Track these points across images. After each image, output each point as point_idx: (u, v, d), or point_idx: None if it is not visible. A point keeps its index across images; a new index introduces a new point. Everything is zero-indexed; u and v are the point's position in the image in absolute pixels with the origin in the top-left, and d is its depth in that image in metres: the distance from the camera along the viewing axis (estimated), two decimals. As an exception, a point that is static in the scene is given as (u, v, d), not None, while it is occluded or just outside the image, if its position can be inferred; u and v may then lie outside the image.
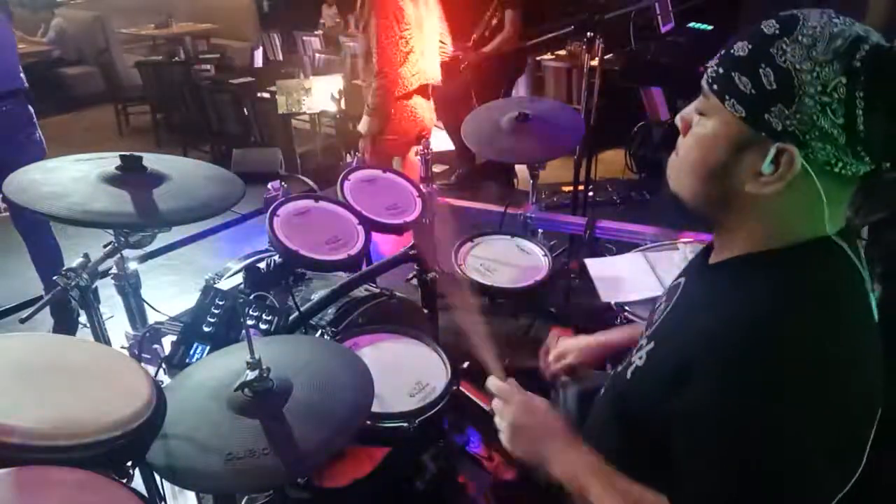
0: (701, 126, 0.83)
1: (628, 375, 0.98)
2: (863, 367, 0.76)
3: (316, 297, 1.75)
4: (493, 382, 1.07)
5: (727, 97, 0.78)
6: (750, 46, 0.77)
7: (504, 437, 1.02)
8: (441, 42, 3.21)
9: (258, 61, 6.34)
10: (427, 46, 2.98)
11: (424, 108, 3.06)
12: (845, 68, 0.71)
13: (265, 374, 1.07)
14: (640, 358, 0.96)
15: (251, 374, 1.06)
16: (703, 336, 0.82)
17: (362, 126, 2.99)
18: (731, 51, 0.79)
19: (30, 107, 2.80)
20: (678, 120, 0.89)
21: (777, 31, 0.75)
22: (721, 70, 0.79)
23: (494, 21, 4.03)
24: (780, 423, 0.72)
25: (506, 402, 1.03)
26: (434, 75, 3.07)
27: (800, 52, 0.72)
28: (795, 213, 0.79)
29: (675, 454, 0.81)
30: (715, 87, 0.80)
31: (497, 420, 1.03)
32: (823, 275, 0.79)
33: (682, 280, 1.01)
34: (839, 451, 0.74)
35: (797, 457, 0.72)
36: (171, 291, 3.12)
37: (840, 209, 0.81)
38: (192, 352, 1.54)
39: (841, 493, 0.79)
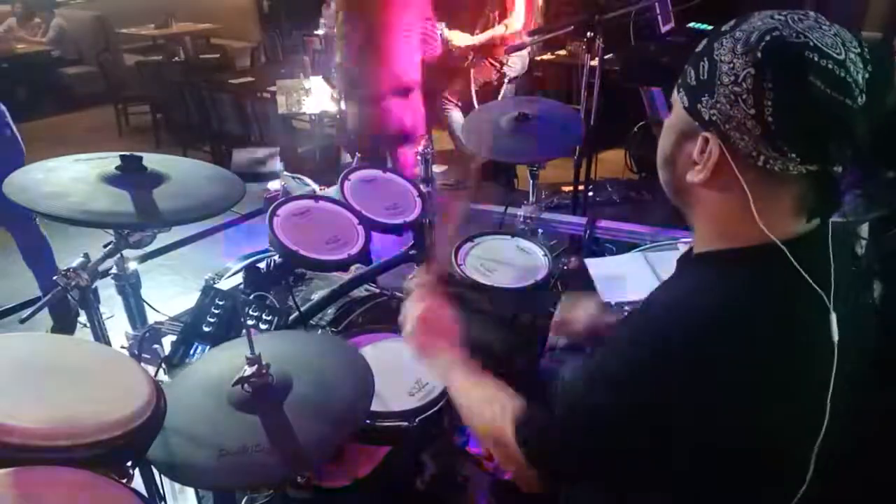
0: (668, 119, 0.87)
1: None
2: (766, 382, 0.74)
3: (316, 297, 1.75)
4: (415, 280, 1.24)
5: (679, 89, 0.82)
6: (705, 42, 0.80)
7: (407, 328, 1.16)
8: (428, 37, 3.21)
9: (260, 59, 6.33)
10: (402, 43, 2.99)
11: (402, 108, 3.07)
12: (753, 59, 0.72)
13: (265, 371, 1.07)
14: None
15: (249, 370, 1.06)
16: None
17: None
18: (695, 49, 0.83)
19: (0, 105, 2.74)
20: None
21: (728, 28, 0.78)
22: (684, 67, 0.83)
23: (493, 20, 4.02)
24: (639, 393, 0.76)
25: (418, 300, 1.18)
26: (412, 74, 3.08)
27: (729, 45, 0.75)
28: (731, 210, 0.79)
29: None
30: (679, 81, 0.84)
31: (403, 312, 1.18)
32: (750, 282, 0.78)
33: None
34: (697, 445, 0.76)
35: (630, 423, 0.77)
36: (171, 291, 3.12)
37: (780, 210, 0.78)
38: (192, 352, 1.54)
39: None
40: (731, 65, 0.74)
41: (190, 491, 1.63)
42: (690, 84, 0.79)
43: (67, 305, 2.60)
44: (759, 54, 0.71)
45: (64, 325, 2.84)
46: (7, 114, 2.72)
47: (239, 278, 1.64)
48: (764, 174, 0.75)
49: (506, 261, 2.00)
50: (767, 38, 0.72)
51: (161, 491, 1.28)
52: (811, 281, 0.76)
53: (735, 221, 0.79)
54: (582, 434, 0.81)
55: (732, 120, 0.74)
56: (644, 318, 0.85)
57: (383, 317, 1.77)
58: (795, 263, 0.75)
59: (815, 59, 0.70)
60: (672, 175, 0.86)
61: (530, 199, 2.37)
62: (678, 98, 0.82)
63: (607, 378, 0.80)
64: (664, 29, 3.99)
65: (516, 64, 4.06)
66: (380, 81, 2.97)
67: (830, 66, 0.70)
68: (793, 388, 0.76)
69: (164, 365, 1.53)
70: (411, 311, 1.17)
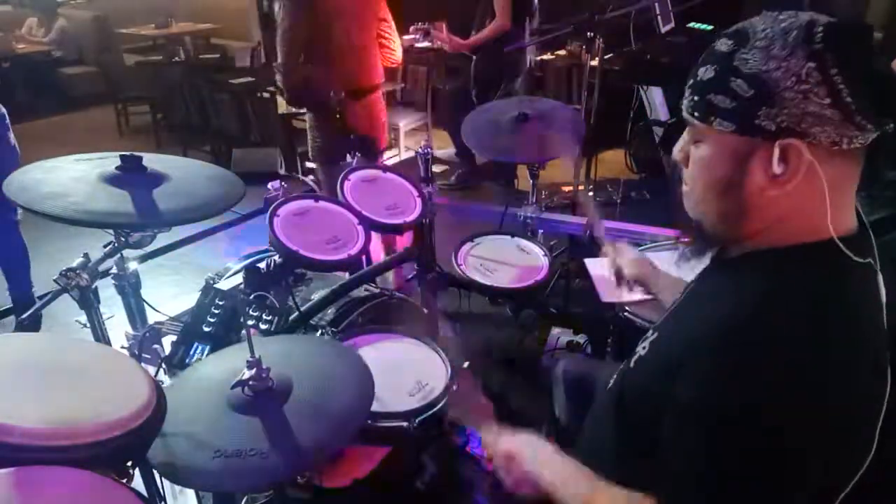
0: (699, 153, 0.86)
1: (632, 365, 1.00)
2: (842, 373, 0.75)
3: (316, 297, 1.75)
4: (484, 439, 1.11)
5: (712, 118, 0.81)
6: (715, 67, 0.80)
7: (505, 478, 1.04)
8: (384, 39, 2.89)
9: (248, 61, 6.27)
10: (360, 45, 2.73)
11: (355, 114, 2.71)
12: (809, 53, 0.74)
13: (265, 374, 1.07)
14: (644, 348, 0.99)
15: (248, 373, 1.06)
16: (692, 332, 0.85)
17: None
18: (698, 77, 0.83)
19: (2, 108, 2.71)
20: (677, 155, 0.92)
21: (733, 46, 0.79)
22: (696, 98, 0.83)
23: (488, 21, 4.02)
24: (751, 420, 0.73)
25: (494, 448, 1.07)
26: (369, 78, 2.82)
27: (760, 55, 0.76)
28: (803, 209, 0.80)
29: (663, 449, 0.82)
30: (696, 114, 0.83)
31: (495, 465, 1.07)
32: (814, 279, 0.79)
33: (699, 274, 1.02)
34: (815, 449, 0.75)
35: (770, 452, 0.73)
36: (171, 291, 3.12)
37: (846, 200, 0.81)
38: (192, 352, 1.54)
39: (839, 491, 0.80)
40: (783, 69, 0.74)
41: (190, 491, 1.63)
42: (730, 107, 0.78)
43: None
44: (816, 46, 0.73)
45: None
46: (7, 117, 2.69)
47: (239, 278, 1.64)
48: (842, 159, 0.77)
49: (506, 261, 2.00)
50: (819, 29, 0.74)
51: (161, 491, 1.28)
52: (872, 263, 0.81)
53: (806, 219, 0.80)
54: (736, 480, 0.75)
55: (809, 116, 0.74)
56: (733, 335, 0.78)
57: (383, 317, 1.77)
58: (850, 253, 0.79)
59: (855, 32, 0.75)
60: (736, 199, 0.83)
61: (530, 199, 2.38)
62: (716, 128, 0.80)
63: (738, 415, 0.74)
64: (664, 29, 3.99)
65: None
66: (329, 82, 2.60)
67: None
68: (868, 372, 0.79)
69: (164, 365, 1.53)
70: (498, 462, 1.07)
